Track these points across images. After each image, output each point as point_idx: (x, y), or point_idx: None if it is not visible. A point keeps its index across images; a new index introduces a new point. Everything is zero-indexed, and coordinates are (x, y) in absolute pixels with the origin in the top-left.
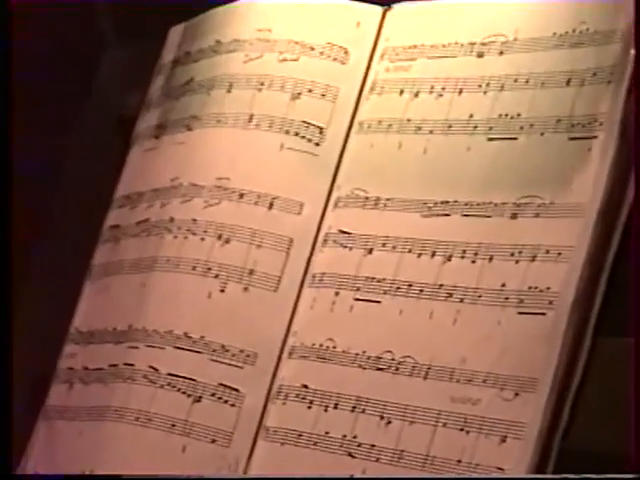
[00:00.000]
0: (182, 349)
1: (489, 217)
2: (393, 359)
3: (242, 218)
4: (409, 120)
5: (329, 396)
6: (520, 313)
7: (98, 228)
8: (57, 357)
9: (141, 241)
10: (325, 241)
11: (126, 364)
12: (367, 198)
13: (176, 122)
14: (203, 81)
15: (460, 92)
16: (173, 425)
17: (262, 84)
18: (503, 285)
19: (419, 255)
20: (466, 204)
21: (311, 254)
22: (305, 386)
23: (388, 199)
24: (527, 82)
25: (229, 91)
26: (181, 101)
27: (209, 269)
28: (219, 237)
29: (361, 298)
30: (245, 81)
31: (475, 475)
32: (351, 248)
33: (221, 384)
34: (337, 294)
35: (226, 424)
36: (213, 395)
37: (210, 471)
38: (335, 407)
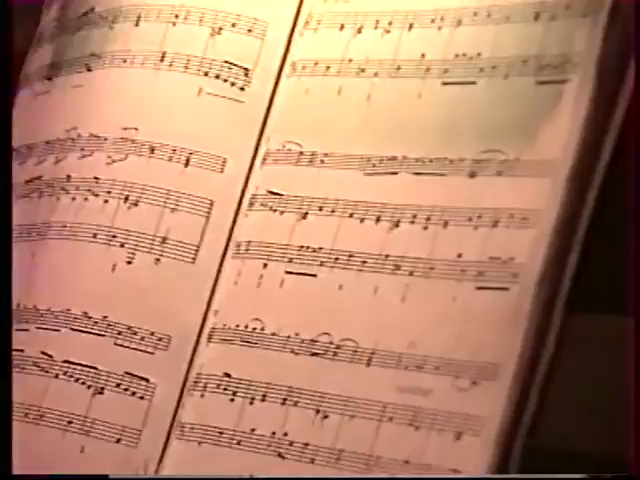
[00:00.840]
0: (81, 331)
1: (443, 175)
2: (331, 342)
3: (153, 177)
4: (350, 60)
5: (256, 387)
6: (479, 288)
7: None
8: None
9: (31, 203)
10: (251, 204)
11: (13, 350)
12: (301, 153)
13: (73, 61)
14: (105, 12)
15: (410, 27)
16: (70, 422)
17: (176, 17)
18: (459, 255)
19: (361, 220)
20: (417, 160)
21: (235, 219)
22: (228, 375)
23: (326, 154)
24: (488, 16)
25: (137, 24)
26: (79, 36)
27: (114, 237)
28: (125, 199)
29: (293, 271)
30: (156, 13)
31: (429, 475)
32: (282, 212)
33: (128, 373)
34: (265, 266)
35: (133, 420)
36: (118, 386)
37: (113, 474)
38: (263, 399)
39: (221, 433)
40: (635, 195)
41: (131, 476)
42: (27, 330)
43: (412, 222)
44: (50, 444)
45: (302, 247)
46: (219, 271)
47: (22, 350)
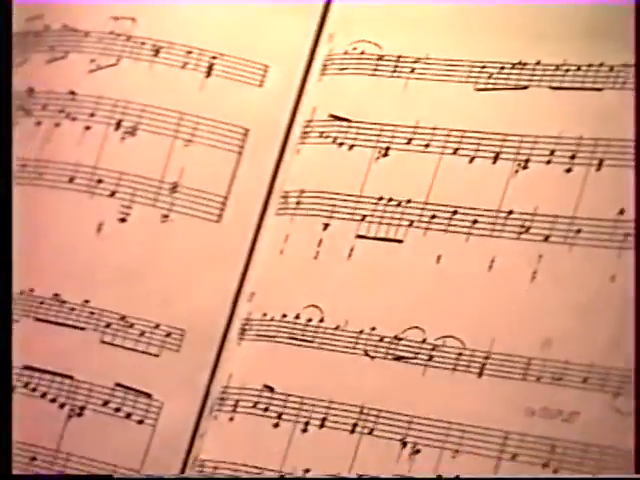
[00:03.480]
0: (50, 322)
1: (597, 90)
2: (424, 341)
3: (158, 91)
4: None
5: (311, 406)
6: None
7: None
8: None
9: None
10: (305, 134)
11: None
12: (380, 58)
13: None
14: None
15: None
16: (33, 458)
17: None
18: (621, 212)
19: (471, 159)
20: (557, 68)
21: (280, 158)
22: (269, 388)
23: (417, 59)
24: None
25: None
26: None
27: (99, 181)
28: (117, 125)
29: (368, 235)
30: None
31: None
32: (351, 146)
33: (119, 385)
34: (326, 227)
35: (128, 456)
36: (105, 404)
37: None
38: (321, 425)
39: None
40: (636, 196)
41: (134, 476)
42: None
43: (548, 161)
44: None
45: (380, 199)
46: (256, 235)
47: None
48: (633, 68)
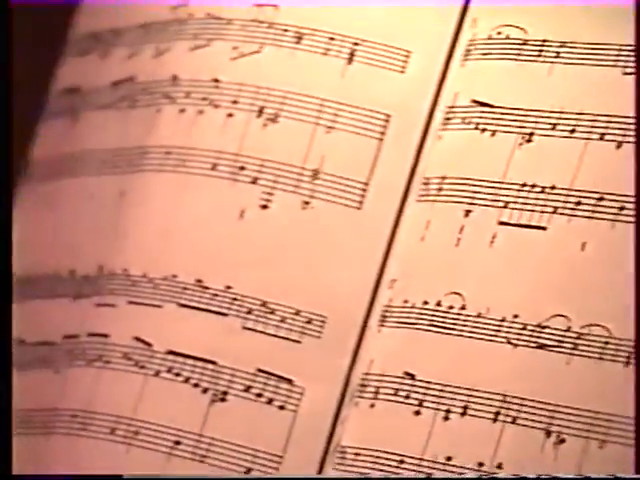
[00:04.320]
0: (193, 308)
1: None
2: (568, 329)
3: (300, 78)
4: None
5: (452, 393)
6: None
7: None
8: None
9: (119, 117)
10: (448, 120)
11: (94, 334)
12: (525, 42)
13: None
14: None
15: None
16: (177, 442)
17: None
18: None
19: (618, 144)
20: None
21: (422, 144)
22: (410, 375)
23: (563, 44)
24: None
25: None
26: None
27: (241, 168)
28: (259, 112)
29: (511, 222)
30: None
31: None
32: (493, 132)
33: (261, 370)
34: (467, 214)
35: (270, 441)
36: (247, 390)
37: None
38: (463, 413)
39: (401, 462)
40: (637, 197)
41: (145, 476)
42: (114, 306)
43: None
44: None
45: (524, 185)
46: (397, 221)
47: (106, 335)
48: None
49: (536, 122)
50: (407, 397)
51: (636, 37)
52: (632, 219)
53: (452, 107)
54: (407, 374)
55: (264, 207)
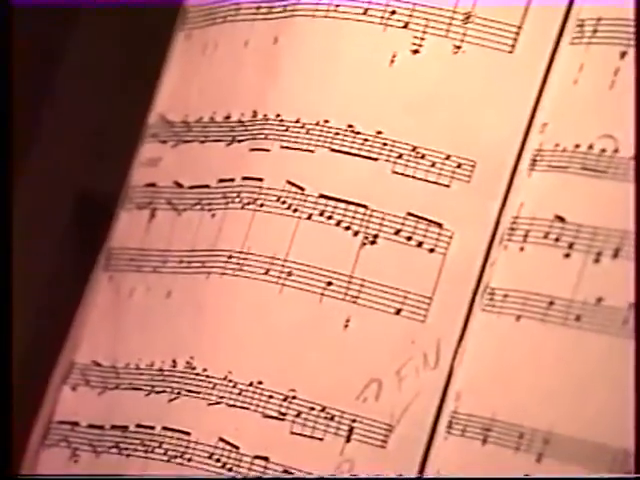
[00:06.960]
0: (343, 152)
1: None
2: None
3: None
4: None
5: (602, 235)
6: None
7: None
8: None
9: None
10: None
11: (248, 177)
12: None
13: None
14: None
15: None
16: (329, 283)
17: None
18: None
19: None
20: None
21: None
22: (560, 218)
23: None
24: None
25: None
26: None
27: (392, 12)
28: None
29: None
30: None
31: None
32: None
33: (411, 214)
34: (623, 55)
35: (420, 283)
36: (397, 233)
37: None
38: (615, 255)
39: (551, 304)
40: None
41: (145, 476)
42: (267, 150)
43: None
44: (301, 314)
45: None
46: (550, 65)
47: (260, 179)
48: None
49: None
50: (557, 240)
51: (636, 38)
52: None
53: None
54: (557, 217)
55: (415, 52)
